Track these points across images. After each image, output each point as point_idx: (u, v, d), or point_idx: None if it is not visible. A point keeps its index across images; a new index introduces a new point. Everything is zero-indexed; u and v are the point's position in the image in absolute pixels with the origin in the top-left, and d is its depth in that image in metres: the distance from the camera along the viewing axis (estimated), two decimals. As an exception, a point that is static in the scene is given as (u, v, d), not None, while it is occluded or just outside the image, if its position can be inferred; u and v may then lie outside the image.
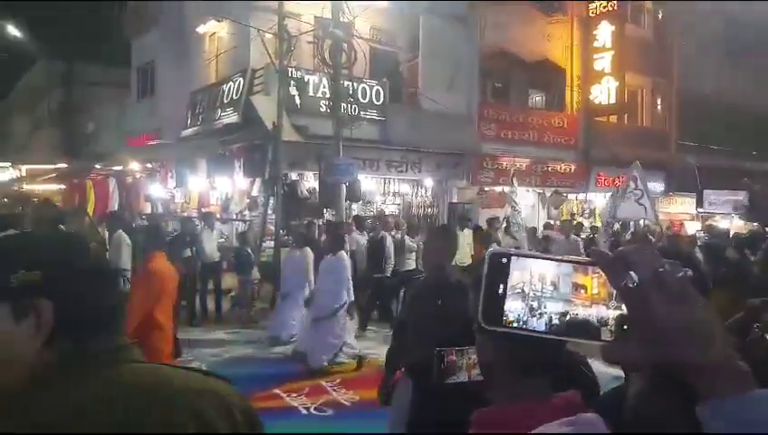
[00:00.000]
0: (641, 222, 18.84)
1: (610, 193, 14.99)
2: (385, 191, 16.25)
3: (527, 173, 17.70)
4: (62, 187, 18.55)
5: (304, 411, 6.43)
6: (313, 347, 7.97)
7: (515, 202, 13.41)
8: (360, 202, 14.73)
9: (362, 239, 11.82)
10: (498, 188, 17.24)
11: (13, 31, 21.21)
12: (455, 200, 16.83)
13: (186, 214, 15.46)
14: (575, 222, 15.43)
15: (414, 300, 3.81)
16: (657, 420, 0.84)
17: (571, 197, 18.96)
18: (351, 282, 8.13)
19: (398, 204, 16.50)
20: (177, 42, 17.33)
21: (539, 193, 18.13)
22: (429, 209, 16.73)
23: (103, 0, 21.46)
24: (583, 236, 15.79)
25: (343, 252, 8.15)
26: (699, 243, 11.82)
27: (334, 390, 7.17)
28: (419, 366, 3.41)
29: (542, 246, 12.55)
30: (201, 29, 16.66)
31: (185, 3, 16.68)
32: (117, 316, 1.15)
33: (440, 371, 2.36)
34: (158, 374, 1.13)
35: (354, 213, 14.10)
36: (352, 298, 8.10)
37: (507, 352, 1.32)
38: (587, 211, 19.53)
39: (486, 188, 17.16)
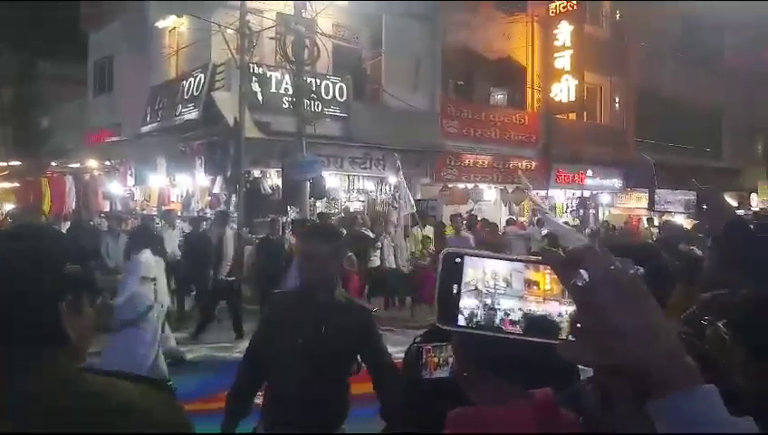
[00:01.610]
0: (599, 219, 19.27)
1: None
2: (349, 188, 16.23)
3: (489, 170, 17.90)
4: (16, 185, 18.03)
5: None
6: (117, 359, 6.44)
7: (407, 198, 13.32)
8: (325, 199, 14.69)
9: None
10: (461, 185, 17.39)
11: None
12: (419, 197, 16.91)
13: (145, 212, 15.19)
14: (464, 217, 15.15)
15: (283, 325, 2.87)
16: (610, 416, 0.86)
17: (532, 193, 19.23)
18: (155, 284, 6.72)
19: (363, 201, 16.51)
20: (136, 36, 16.99)
21: (500, 190, 18.34)
22: (393, 206, 16.78)
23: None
24: (544, 231, 16.03)
25: (148, 251, 6.80)
26: (654, 238, 12.12)
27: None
28: (291, 409, 2.76)
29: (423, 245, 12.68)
30: (161, 24, 16.35)
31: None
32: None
33: (418, 366, 2.34)
34: (92, 385, 1.10)
35: (318, 210, 14.05)
36: (151, 303, 6.60)
37: (474, 352, 1.34)
38: (547, 207, 19.83)
39: (450, 185, 17.29)
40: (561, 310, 0.71)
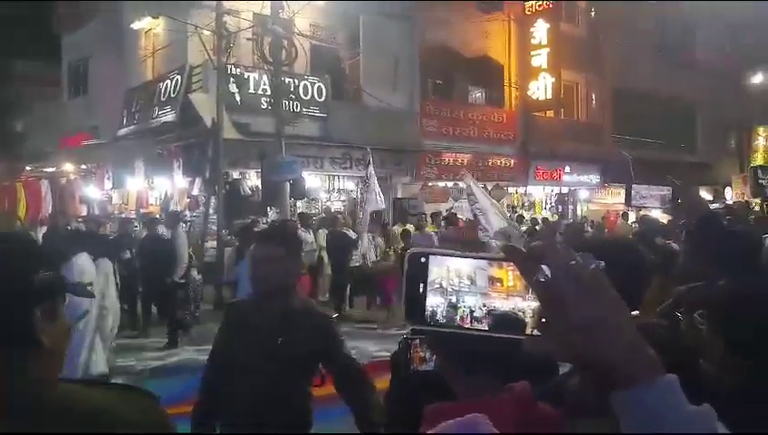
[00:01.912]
0: (578, 215, 19.43)
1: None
2: (330, 188, 16.21)
3: (468, 168, 17.98)
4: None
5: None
6: None
7: (377, 194, 12.95)
8: (305, 199, 14.65)
9: (309, 237, 11.78)
10: (441, 184, 17.46)
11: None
12: (399, 196, 16.95)
13: (124, 215, 15.02)
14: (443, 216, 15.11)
15: (240, 335, 2.73)
16: (586, 408, 0.88)
17: (512, 190, 19.36)
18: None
19: (344, 201, 16.50)
20: (112, 38, 16.79)
21: (480, 187, 18.40)
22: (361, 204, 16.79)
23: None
24: (524, 228, 16.13)
25: (84, 255, 6.31)
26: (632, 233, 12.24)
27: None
28: (251, 418, 2.63)
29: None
30: (136, 25, 16.18)
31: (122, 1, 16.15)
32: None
33: (407, 359, 2.35)
34: (66, 393, 1.09)
35: (299, 210, 14.01)
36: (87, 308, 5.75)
37: (448, 348, 1.36)
38: (527, 204, 20.01)
39: (430, 184, 17.35)
40: (525, 306, 0.73)
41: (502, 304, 0.73)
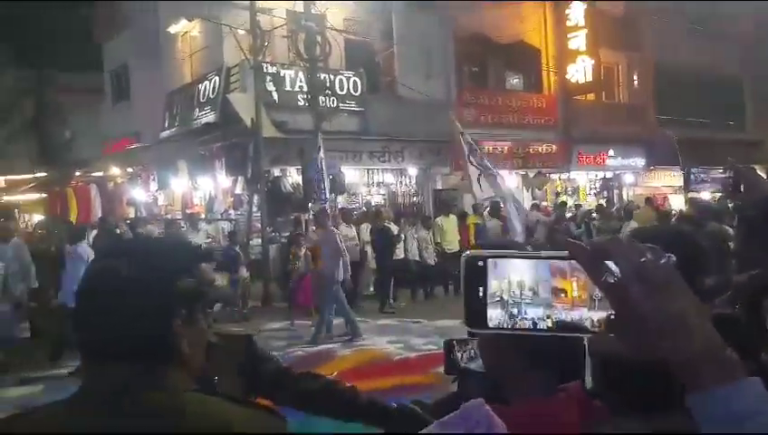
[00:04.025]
0: (624, 200, 18.98)
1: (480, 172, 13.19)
2: (369, 182, 16.24)
3: (508, 156, 17.75)
4: (43, 196, 18.33)
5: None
6: None
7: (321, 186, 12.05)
8: (345, 194, 14.73)
9: (351, 232, 11.84)
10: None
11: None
12: (439, 187, 16.86)
13: (169, 216, 15.35)
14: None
15: None
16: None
17: (554, 176, 19.06)
18: None
19: (383, 194, 16.51)
20: (150, 43, 17.14)
21: (522, 175, 18.18)
22: (414, 198, 16.76)
23: (72, 0, 20.99)
24: (568, 215, 15.87)
25: None
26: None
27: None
28: None
29: None
30: (173, 29, 16.47)
31: (155, 3, 16.48)
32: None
33: (450, 360, 2.30)
34: (203, 405, 1.07)
35: (339, 205, 14.09)
36: None
37: (501, 351, 1.33)
38: (570, 190, 19.68)
39: (470, 173, 17.17)
40: (590, 316, 0.69)
41: (566, 315, 0.70)
